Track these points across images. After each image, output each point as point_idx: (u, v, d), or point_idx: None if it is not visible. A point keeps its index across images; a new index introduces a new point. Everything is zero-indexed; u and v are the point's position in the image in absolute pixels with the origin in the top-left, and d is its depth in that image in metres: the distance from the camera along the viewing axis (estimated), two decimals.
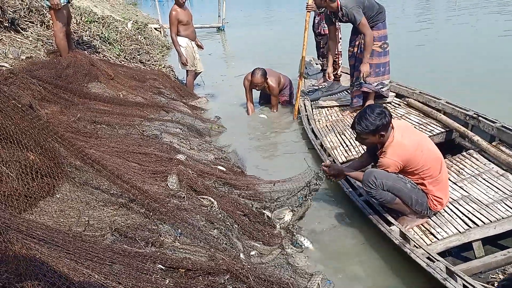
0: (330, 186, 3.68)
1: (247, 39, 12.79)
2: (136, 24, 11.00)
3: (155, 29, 13.17)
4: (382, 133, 2.66)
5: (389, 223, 2.78)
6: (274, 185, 3.45)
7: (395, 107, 4.67)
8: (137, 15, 15.11)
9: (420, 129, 3.97)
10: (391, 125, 2.70)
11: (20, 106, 2.03)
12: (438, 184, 2.73)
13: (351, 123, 2.84)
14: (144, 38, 9.71)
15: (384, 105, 4.72)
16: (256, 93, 5.95)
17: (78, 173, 2.49)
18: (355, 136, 2.84)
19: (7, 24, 5.04)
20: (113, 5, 14.43)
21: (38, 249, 1.64)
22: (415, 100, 4.58)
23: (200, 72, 6.89)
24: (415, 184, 2.74)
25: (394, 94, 4.89)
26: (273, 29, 13.88)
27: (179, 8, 6.15)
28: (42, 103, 3.42)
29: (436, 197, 2.73)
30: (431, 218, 2.83)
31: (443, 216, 2.82)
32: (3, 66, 3.96)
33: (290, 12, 17.97)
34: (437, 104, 4.23)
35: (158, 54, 9.04)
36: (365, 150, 3.21)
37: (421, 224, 2.81)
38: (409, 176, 2.74)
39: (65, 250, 1.78)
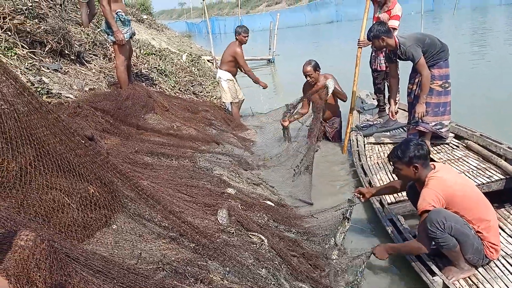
0: (375, 227, 3.59)
1: (297, 71, 12.87)
2: (190, 56, 11.43)
3: (208, 61, 13.62)
4: (416, 165, 2.60)
5: (433, 273, 2.61)
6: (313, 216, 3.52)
7: (453, 148, 4.45)
8: (191, 47, 15.73)
9: (478, 174, 3.76)
10: (431, 165, 2.65)
11: (83, 142, 2.13)
12: (491, 230, 2.57)
13: None
14: (197, 69, 10.05)
15: (440, 145, 4.56)
16: None
17: (133, 205, 2.56)
18: (392, 168, 2.82)
19: (73, 57, 5.40)
20: (169, 37, 15.15)
21: (95, 282, 1.68)
22: (474, 142, 4.33)
23: (243, 100, 7.16)
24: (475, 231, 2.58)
25: (453, 135, 4.66)
26: (323, 61, 13.93)
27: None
28: (103, 134, 3.59)
29: (492, 243, 2.56)
30: (480, 271, 2.62)
31: (493, 270, 2.60)
32: (68, 97, 4.22)
33: (340, 45, 18.03)
34: (498, 148, 3.97)
35: (210, 85, 9.29)
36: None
37: (468, 277, 2.59)
38: None
39: (119, 283, 1.82)
